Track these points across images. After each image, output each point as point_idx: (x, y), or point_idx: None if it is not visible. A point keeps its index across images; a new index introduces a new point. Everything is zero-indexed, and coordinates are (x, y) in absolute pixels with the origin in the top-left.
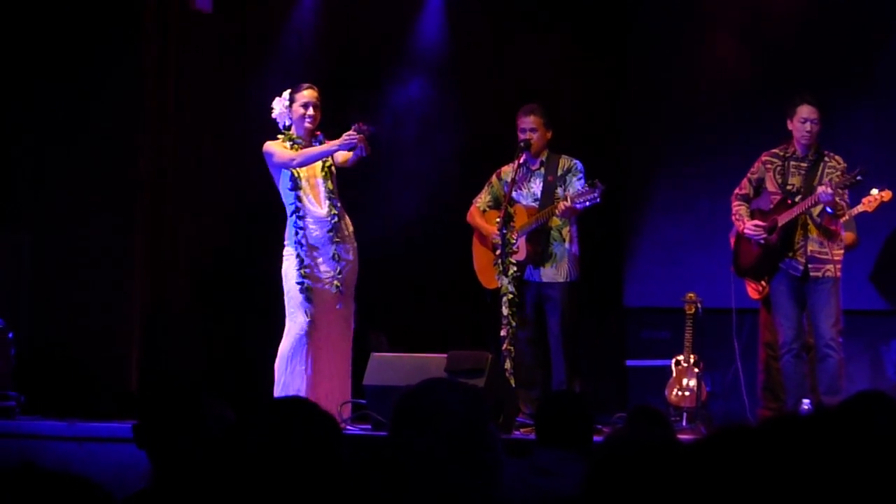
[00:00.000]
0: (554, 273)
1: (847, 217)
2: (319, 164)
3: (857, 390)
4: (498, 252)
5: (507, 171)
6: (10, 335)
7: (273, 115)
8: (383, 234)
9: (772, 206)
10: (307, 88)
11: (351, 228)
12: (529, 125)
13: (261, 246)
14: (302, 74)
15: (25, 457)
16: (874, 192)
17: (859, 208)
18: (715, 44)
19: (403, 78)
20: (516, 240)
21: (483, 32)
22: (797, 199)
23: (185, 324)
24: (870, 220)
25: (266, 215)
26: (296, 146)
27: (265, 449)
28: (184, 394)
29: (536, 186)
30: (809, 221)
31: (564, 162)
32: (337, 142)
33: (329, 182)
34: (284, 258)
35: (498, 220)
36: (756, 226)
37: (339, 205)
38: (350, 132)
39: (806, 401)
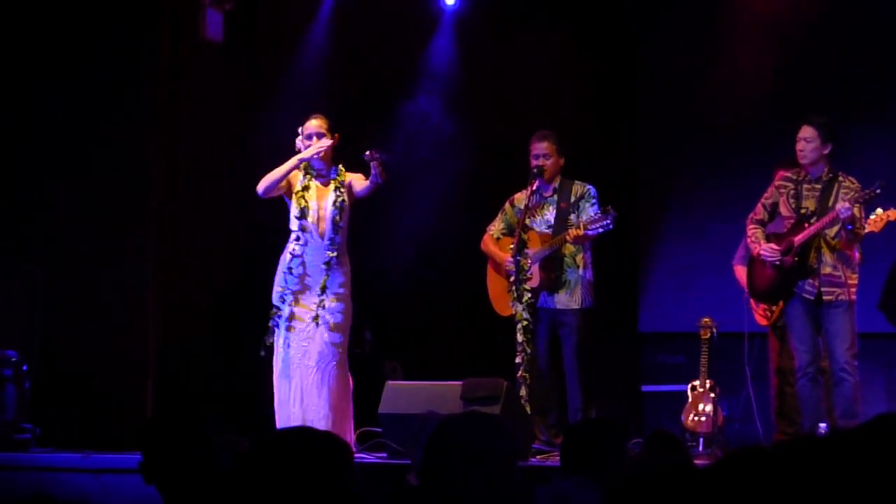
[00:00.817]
0: (568, 300)
1: (863, 233)
2: (332, 196)
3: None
4: (512, 279)
5: (521, 199)
6: (25, 367)
7: (297, 148)
8: (397, 262)
9: (786, 229)
10: (313, 118)
11: (347, 270)
12: (542, 151)
13: (275, 275)
14: (313, 101)
15: (41, 489)
16: (879, 211)
17: (867, 228)
18: (728, 68)
19: (415, 103)
20: (530, 266)
21: (495, 57)
22: (812, 220)
23: (200, 353)
24: (883, 242)
25: (280, 244)
26: (309, 175)
27: (276, 480)
28: (185, 427)
29: (550, 213)
30: (824, 244)
31: (577, 188)
32: (300, 155)
33: (338, 216)
34: (275, 283)
35: (512, 247)
36: (772, 248)
37: (339, 240)
38: (321, 142)
39: (822, 425)
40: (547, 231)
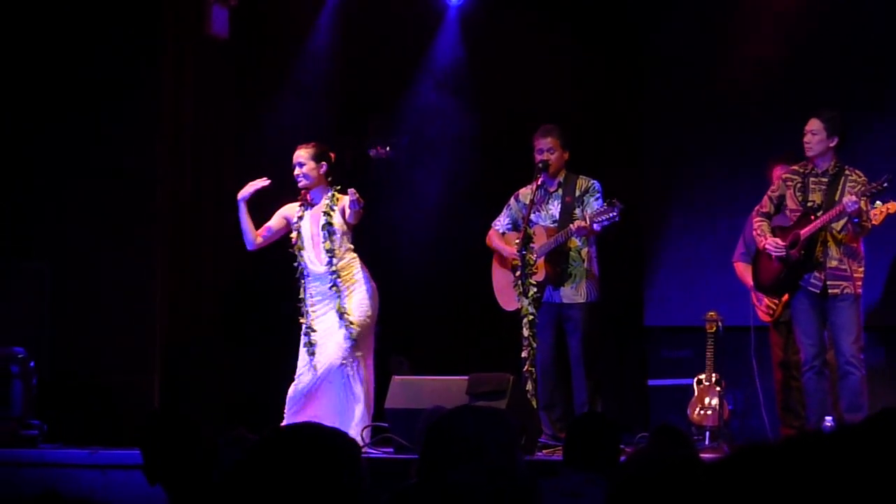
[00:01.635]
0: (573, 293)
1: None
2: (323, 220)
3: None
4: (518, 273)
5: (526, 193)
6: (32, 364)
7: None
8: (403, 257)
9: (793, 222)
10: (298, 147)
11: (360, 283)
12: (547, 146)
13: (281, 273)
14: (318, 98)
15: (48, 486)
16: (878, 204)
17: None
18: (732, 63)
19: (420, 99)
20: (535, 261)
21: (500, 52)
22: (819, 213)
23: (206, 350)
24: (888, 235)
25: (285, 242)
26: (304, 205)
27: (283, 477)
28: (181, 427)
29: (555, 208)
30: (830, 238)
31: (582, 182)
32: (239, 199)
33: (327, 241)
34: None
35: (517, 241)
36: (777, 242)
37: (335, 262)
38: (253, 183)
39: (828, 418)
40: (552, 225)
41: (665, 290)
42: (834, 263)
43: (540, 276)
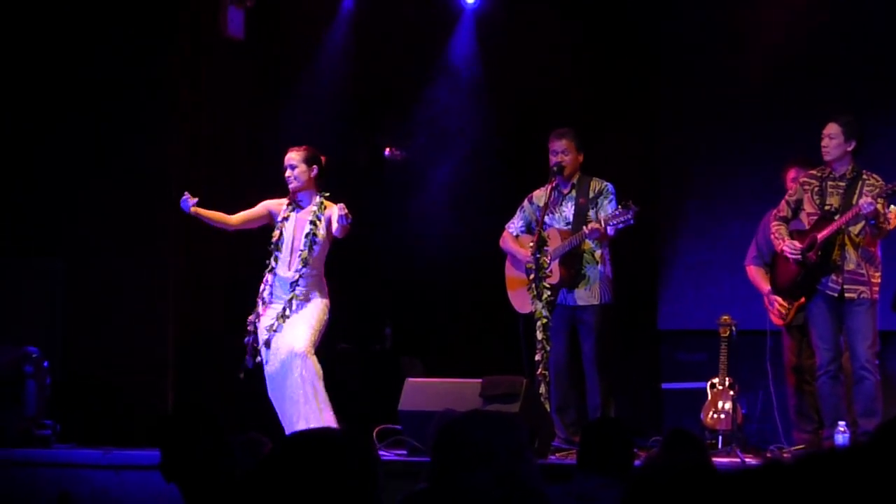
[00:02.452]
0: (587, 296)
1: (889, 228)
2: (307, 228)
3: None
4: (532, 276)
5: (540, 195)
6: (46, 364)
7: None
8: (417, 259)
9: (810, 225)
10: (290, 150)
11: (319, 299)
12: (561, 148)
13: None
14: (333, 98)
15: (62, 486)
16: (892, 207)
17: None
18: (746, 67)
19: (434, 101)
20: (549, 263)
21: (515, 54)
22: (836, 217)
23: (218, 350)
24: None
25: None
26: (291, 205)
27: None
28: (201, 426)
29: (568, 210)
30: (848, 241)
31: (596, 184)
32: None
33: (306, 251)
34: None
35: (531, 244)
36: (794, 245)
37: (306, 271)
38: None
39: (842, 423)
40: (566, 228)
41: (679, 293)
42: (851, 267)
43: (554, 278)
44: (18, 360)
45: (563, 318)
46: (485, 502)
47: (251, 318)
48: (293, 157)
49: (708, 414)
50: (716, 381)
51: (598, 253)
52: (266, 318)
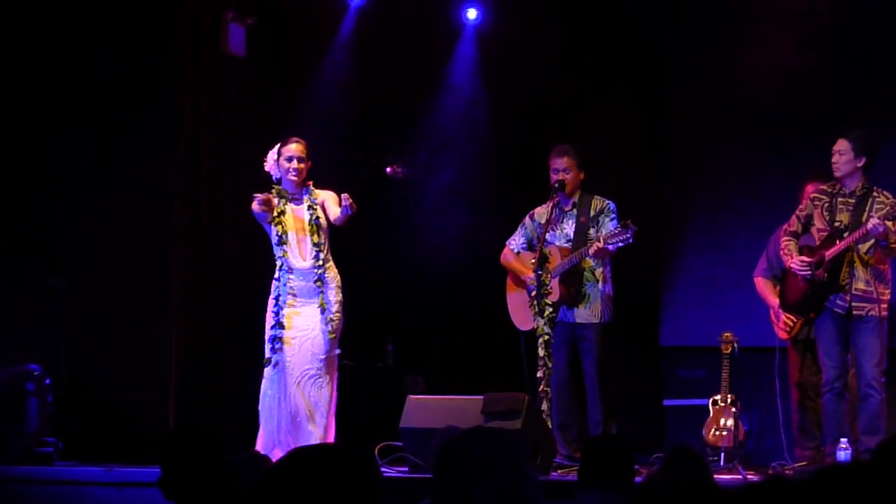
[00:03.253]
0: (588, 314)
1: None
2: (307, 217)
3: None
4: (533, 293)
5: (541, 213)
6: (48, 381)
7: (266, 168)
8: (419, 276)
9: (819, 241)
10: (293, 142)
11: (338, 280)
12: (563, 166)
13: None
14: (335, 115)
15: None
16: None
17: None
18: (752, 80)
19: (436, 116)
20: (550, 281)
21: (517, 70)
22: (845, 235)
23: (221, 368)
24: None
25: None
26: (283, 199)
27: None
28: (204, 443)
29: (569, 227)
30: (857, 258)
31: (597, 202)
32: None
33: (315, 235)
34: (268, 310)
35: (533, 261)
36: (802, 261)
37: (322, 256)
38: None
39: (843, 440)
40: (566, 245)
41: (681, 310)
42: (860, 285)
43: (554, 296)
44: (20, 378)
45: (564, 335)
46: None
47: (273, 310)
48: (300, 149)
49: (710, 431)
50: (717, 397)
51: (598, 271)
52: (303, 315)
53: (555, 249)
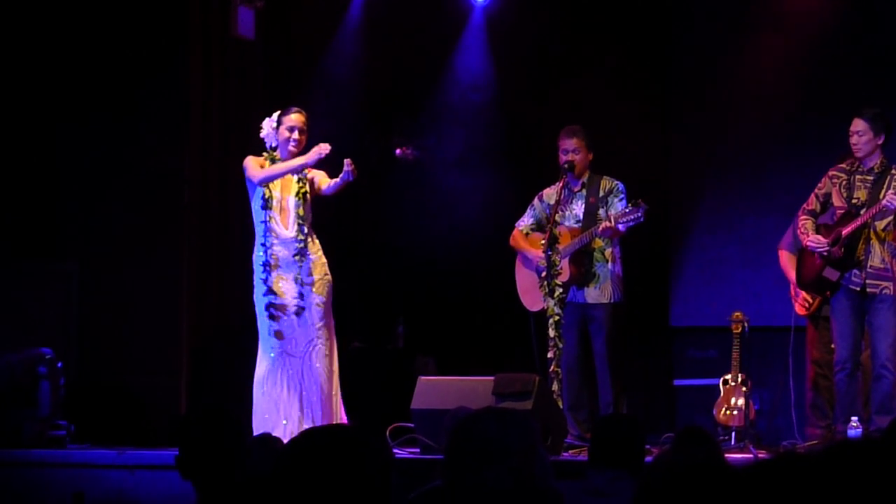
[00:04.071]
0: (598, 294)
1: None
2: (294, 187)
3: None
4: (543, 274)
5: (550, 194)
6: (60, 365)
7: (261, 135)
8: (429, 258)
9: (837, 219)
10: (295, 112)
11: (319, 253)
12: (572, 147)
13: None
14: (344, 99)
15: (77, 486)
16: None
17: None
18: (759, 61)
19: (446, 99)
20: (560, 261)
21: (525, 55)
22: (863, 211)
23: (232, 351)
24: None
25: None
26: (272, 160)
27: (313, 480)
28: (224, 423)
29: (578, 208)
30: (873, 235)
31: (606, 183)
32: (303, 158)
33: (301, 207)
34: (254, 280)
35: (543, 242)
36: (818, 239)
37: (306, 230)
38: (319, 147)
39: (854, 418)
40: (576, 226)
41: (691, 290)
42: (876, 262)
43: (564, 276)
44: (33, 361)
45: (574, 316)
46: (498, 499)
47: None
48: (302, 120)
49: (721, 410)
50: (728, 377)
51: (608, 251)
52: (285, 283)
53: (564, 230)
